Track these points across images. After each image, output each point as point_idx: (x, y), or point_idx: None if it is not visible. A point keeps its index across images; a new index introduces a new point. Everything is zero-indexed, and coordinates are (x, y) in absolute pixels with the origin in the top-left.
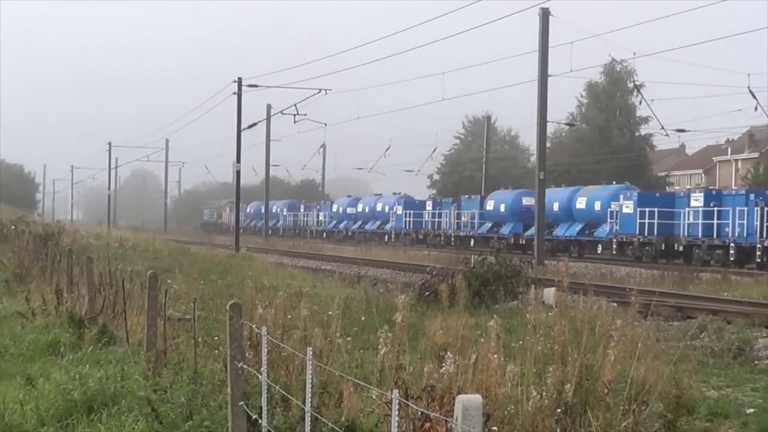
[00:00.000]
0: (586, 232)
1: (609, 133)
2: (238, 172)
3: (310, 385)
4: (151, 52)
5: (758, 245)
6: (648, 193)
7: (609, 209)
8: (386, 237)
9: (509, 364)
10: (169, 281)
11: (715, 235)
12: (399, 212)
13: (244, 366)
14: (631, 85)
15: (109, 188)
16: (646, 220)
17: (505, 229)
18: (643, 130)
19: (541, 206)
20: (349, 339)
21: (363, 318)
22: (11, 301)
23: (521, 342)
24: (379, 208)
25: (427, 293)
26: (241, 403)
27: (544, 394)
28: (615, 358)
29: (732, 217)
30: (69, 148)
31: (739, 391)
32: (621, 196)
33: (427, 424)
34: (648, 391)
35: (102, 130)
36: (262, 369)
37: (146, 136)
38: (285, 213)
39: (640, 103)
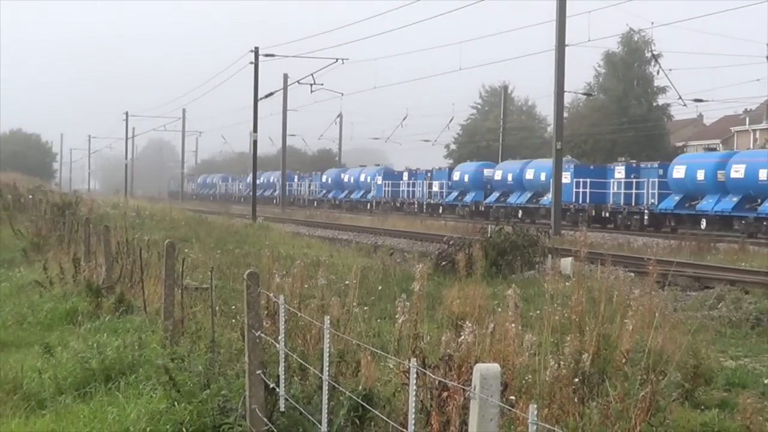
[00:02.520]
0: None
1: (626, 103)
2: (255, 142)
3: (328, 354)
4: (169, 21)
5: (425, 202)
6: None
7: None
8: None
9: (527, 334)
10: (186, 250)
11: (406, 197)
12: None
13: (262, 335)
14: (648, 54)
15: (126, 158)
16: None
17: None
18: (661, 100)
19: (558, 177)
20: (366, 308)
21: (380, 287)
22: (29, 270)
23: (539, 311)
24: (262, 180)
25: (444, 263)
26: (259, 371)
27: (561, 363)
28: (633, 328)
29: (420, 187)
30: (86, 118)
31: (757, 362)
32: None
33: (445, 393)
34: (666, 360)
35: (119, 99)
36: (279, 338)
37: (163, 106)
38: (220, 183)
39: (658, 73)
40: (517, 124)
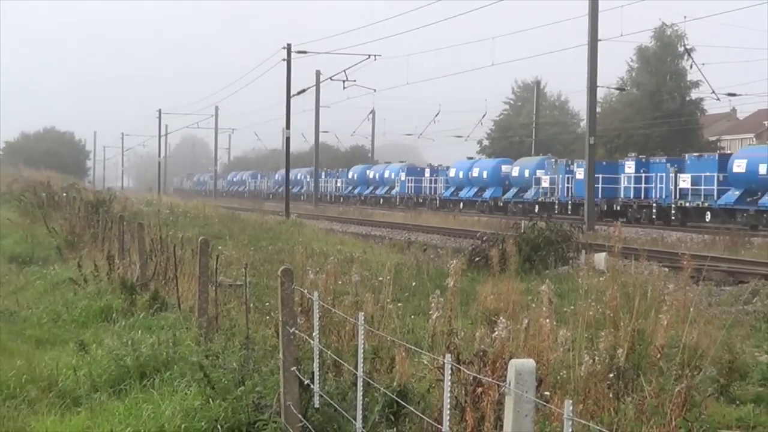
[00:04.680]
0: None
1: (659, 97)
2: (288, 139)
3: (362, 351)
4: (202, 19)
5: (332, 195)
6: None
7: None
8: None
9: (561, 329)
10: (219, 247)
11: (322, 190)
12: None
13: (296, 331)
14: (681, 49)
15: (159, 155)
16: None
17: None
18: (694, 95)
19: (591, 173)
20: (400, 304)
21: (413, 283)
22: (63, 268)
23: (573, 307)
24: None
25: (477, 259)
26: (293, 368)
27: (596, 359)
28: (667, 323)
29: (331, 183)
30: (120, 115)
31: None
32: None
33: (480, 389)
34: (701, 355)
35: (152, 97)
36: (313, 334)
37: (196, 103)
38: (209, 180)
39: (691, 67)
40: (549, 120)
